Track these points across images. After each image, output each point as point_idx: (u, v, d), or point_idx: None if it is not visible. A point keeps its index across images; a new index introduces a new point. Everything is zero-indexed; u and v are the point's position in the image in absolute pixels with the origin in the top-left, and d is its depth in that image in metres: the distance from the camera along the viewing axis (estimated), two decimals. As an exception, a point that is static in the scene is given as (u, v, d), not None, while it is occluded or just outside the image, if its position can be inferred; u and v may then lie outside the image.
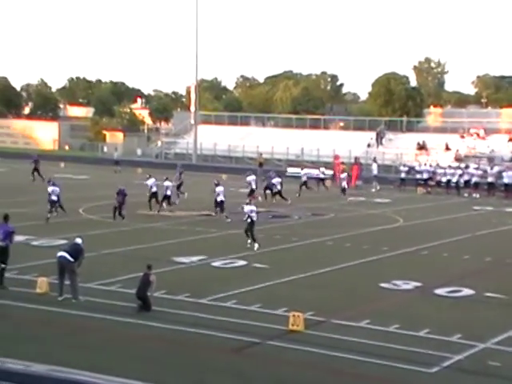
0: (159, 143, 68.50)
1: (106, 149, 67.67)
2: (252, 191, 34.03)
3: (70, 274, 15.08)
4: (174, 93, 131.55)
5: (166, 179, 30.16)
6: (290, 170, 52.34)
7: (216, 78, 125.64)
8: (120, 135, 71.63)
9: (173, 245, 22.32)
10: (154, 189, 29.57)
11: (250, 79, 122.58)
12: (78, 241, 15.70)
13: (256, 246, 21.65)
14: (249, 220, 21.93)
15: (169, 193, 29.60)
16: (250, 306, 15.17)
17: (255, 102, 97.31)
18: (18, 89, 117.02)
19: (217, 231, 25.17)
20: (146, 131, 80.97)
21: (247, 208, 22.20)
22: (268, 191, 35.52)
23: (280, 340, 12.93)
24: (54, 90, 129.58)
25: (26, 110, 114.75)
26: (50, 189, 26.83)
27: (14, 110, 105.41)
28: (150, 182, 29.90)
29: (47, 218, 25.55)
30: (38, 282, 15.62)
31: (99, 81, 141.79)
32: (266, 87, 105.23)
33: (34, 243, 21.31)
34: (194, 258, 19.98)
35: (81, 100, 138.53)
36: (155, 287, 14.78)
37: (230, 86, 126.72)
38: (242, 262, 19.73)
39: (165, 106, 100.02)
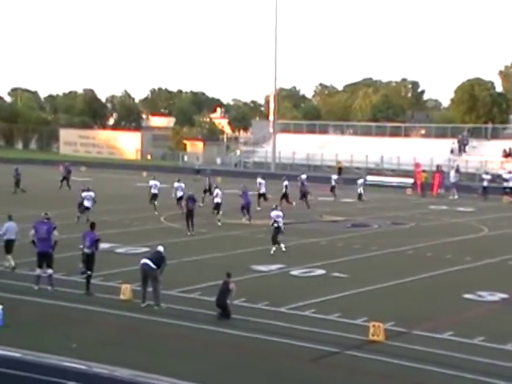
0: (238, 152, 69.23)
1: (186, 158, 69.01)
2: (284, 196, 34.53)
3: (153, 281, 15.44)
4: (252, 102, 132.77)
5: (178, 181, 31.49)
6: (370, 178, 51.70)
7: (295, 87, 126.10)
8: (200, 144, 72.88)
9: (251, 253, 22.45)
10: (180, 193, 30.34)
11: (328, 87, 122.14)
12: (160, 249, 16.07)
13: (274, 248, 21.83)
14: (275, 225, 22.07)
15: (179, 194, 30.42)
16: (329, 315, 15.08)
17: (334, 110, 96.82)
18: (104, 100, 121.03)
19: (295, 240, 25.17)
20: (225, 140, 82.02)
21: (274, 213, 22.33)
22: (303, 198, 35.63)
23: (359, 350, 12.80)
24: (137, 100, 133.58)
25: (111, 121, 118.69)
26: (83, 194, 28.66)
27: (99, 121, 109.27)
28: (152, 182, 32.25)
29: (85, 219, 26.42)
30: (121, 289, 16.07)
31: (180, 91, 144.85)
32: (345, 95, 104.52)
33: (118, 251, 21.94)
34: (273, 267, 20.05)
35: (162, 110, 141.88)
36: (234, 295, 14.92)
37: (309, 94, 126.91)
38: (320, 271, 19.64)
39: (244, 115, 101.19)
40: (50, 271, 16.47)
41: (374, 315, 14.57)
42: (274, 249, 22.02)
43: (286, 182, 35.48)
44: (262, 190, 34.81)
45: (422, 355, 12.53)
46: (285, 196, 34.89)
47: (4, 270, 18.13)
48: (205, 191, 35.62)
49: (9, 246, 18.18)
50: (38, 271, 16.55)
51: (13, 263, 18.43)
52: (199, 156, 67.23)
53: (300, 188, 35.83)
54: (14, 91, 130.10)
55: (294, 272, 19.49)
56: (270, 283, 18.22)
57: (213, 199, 29.77)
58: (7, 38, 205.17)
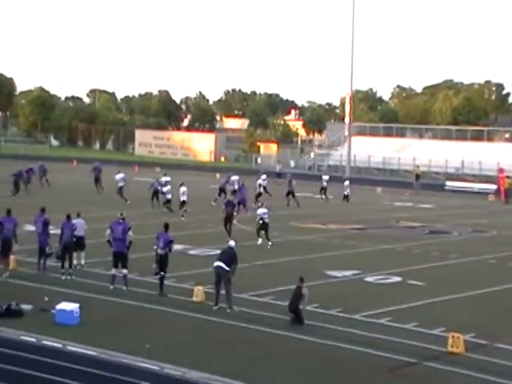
0: (312, 155, 69.03)
1: (259, 160, 69.36)
2: (259, 194, 35.42)
3: (226, 284, 15.55)
4: (327, 104, 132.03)
5: (165, 174, 33.66)
6: (450, 184, 50.49)
7: (371, 89, 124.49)
8: (274, 147, 73.15)
9: (325, 258, 22.36)
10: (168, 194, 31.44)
11: (406, 89, 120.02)
12: (232, 244, 16.14)
13: (260, 241, 23.50)
14: (261, 221, 23.58)
15: (169, 196, 31.02)
16: (405, 324, 14.80)
17: (412, 113, 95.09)
18: (178, 102, 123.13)
19: (370, 245, 24.86)
20: (299, 143, 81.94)
21: (260, 211, 23.98)
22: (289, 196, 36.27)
23: (438, 362, 12.48)
24: (211, 102, 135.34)
25: (185, 122, 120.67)
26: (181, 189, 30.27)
27: (173, 122, 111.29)
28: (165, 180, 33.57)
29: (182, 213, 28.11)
30: (194, 291, 16.27)
31: (254, 93, 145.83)
32: (424, 97, 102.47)
33: (191, 252, 22.23)
34: (347, 273, 19.87)
35: (236, 112, 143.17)
36: (307, 300, 14.85)
37: (386, 96, 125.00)
38: (396, 279, 19.32)
39: (318, 118, 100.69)
40: (124, 271, 16.85)
41: (453, 326, 14.19)
42: (260, 240, 23.56)
43: (260, 181, 36.82)
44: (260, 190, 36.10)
45: (504, 369, 12.10)
46: (259, 195, 35.51)
47: (78, 267, 18.61)
48: (287, 194, 36.23)
49: (79, 243, 18.49)
50: (113, 271, 16.96)
51: (82, 261, 18.89)
52: (272, 158, 67.42)
53: (288, 186, 36.90)
54: (93, 92, 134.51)
55: (369, 278, 19.25)
56: (344, 289, 18.07)
57: (179, 198, 30.25)
58: (87, 39, 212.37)
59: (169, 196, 31.65)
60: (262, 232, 23.79)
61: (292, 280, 16.07)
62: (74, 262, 18.43)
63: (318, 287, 17.51)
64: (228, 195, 32.94)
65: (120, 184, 34.94)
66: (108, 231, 17.20)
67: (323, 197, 40.18)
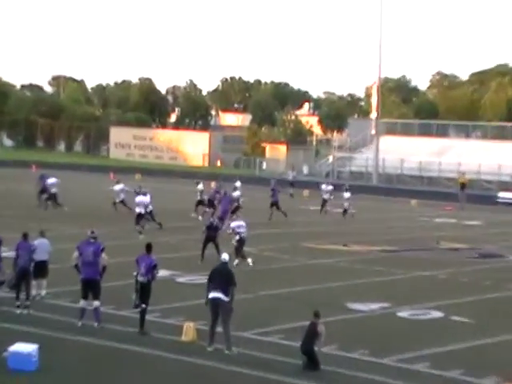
0: (330, 159, 69.25)
1: (265, 165, 69.62)
2: (237, 208, 35.27)
3: (225, 318, 15.53)
4: (349, 95, 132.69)
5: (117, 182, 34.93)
6: (503, 195, 50.54)
7: (404, 76, 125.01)
8: (282, 148, 73.41)
9: (347, 287, 22.36)
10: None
11: (449, 76, 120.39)
12: (225, 258, 16.13)
13: (237, 261, 24.03)
14: (236, 237, 24.50)
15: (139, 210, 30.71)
16: (448, 370, 14.79)
17: (456, 107, 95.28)
18: (164, 92, 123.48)
19: (403, 272, 24.86)
20: (314, 143, 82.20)
21: (234, 224, 24.96)
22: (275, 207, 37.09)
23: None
24: (204, 93, 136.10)
25: (172, 118, 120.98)
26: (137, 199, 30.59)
27: (158, 118, 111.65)
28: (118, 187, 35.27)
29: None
30: (183, 328, 16.27)
31: (258, 82, 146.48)
32: (471, 87, 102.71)
33: (180, 280, 22.23)
34: (374, 306, 19.87)
35: (236, 105, 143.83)
36: (324, 340, 14.85)
37: (423, 85, 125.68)
38: (436, 314, 19.32)
39: (338, 112, 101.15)
40: (96, 303, 16.85)
41: (508, 374, 14.14)
42: (236, 261, 23.93)
43: (199, 186, 38.35)
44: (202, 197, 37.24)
45: None
46: (236, 209, 35.24)
47: (38, 299, 18.65)
48: (271, 205, 36.98)
49: (40, 268, 18.51)
50: (81, 303, 16.95)
51: (43, 292, 18.94)
52: (280, 163, 67.62)
53: (271, 196, 37.58)
54: (56, 80, 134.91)
55: (402, 313, 19.24)
56: (371, 326, 18.06)
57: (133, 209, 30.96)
58: (49, 16, 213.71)
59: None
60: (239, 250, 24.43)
61: (305, 315, 16.04)
62: (33, 292, 18.43)
63: (337, 323, 17.49)
64: (217, 211, 32.98)
65: (122, 196, 36.33)
66: (75, 253, 17.19)
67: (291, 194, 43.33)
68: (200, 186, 37.97)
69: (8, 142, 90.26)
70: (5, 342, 14.63)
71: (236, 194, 37.64)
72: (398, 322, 18.60)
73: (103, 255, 17.13)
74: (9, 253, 19.09)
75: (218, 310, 15.56)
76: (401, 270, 25.09)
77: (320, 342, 14.76)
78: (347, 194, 39.46)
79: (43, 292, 18.97)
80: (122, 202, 36.18)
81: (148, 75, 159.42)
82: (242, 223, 24.93)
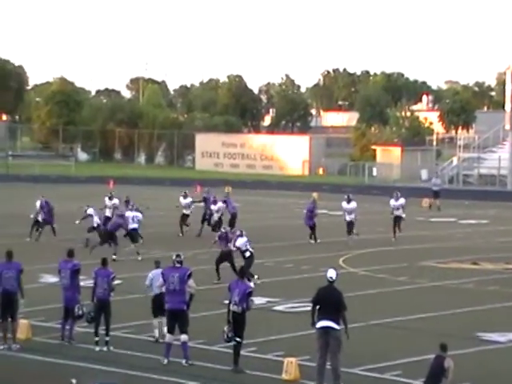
0: (455, 161, 68.16)
1: (375, 171, 69.10)
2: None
3: (336, 350, 15.43)
4: (477, 84, 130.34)
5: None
6: None
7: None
8: (396, 151, 72.67)
9: (478, 314, 22.01)
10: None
11: None
12: (332, 275, 15.87)
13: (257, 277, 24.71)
14: (247, 254, 24.81)
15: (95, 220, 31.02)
16: None
17: None
18: (256, 91, 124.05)
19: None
20: (434, 143, 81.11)
21: (240, 241, 24.94)
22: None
23: None
24: (303, 89, 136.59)
25: (266, 121, 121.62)
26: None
27: (250, 121, 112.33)
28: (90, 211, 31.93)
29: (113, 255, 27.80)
30: (284, 364, 16.25)
31: (366, 73, 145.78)
32: None
33: (278, 308, 22.22)
34: (513, 335, 19.48)
35: (340, 102, 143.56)
36: (452, 377, 14.55)
37: None
38: None
39: (463, 105, 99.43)
40: (184, 337, 16.97)
41: None
42: (256, 277, 24.71)
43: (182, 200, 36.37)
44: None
45: None
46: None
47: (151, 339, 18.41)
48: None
49: (161, 304, 17.89)
50: (167, 337, 17.14)
51: (157, 333, 18.35)
52: (394, 167, 66.97)
53: (227, 209, 35.75)
54: (135, 83, 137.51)
55: (548, 345, 18.72)
56: (509, 361, 17.64)
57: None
58: (125, 15, 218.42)
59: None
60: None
61: (428, 347, 15.87)
62: (156, 333, 18.36)
63: (468, 357, 17.22)
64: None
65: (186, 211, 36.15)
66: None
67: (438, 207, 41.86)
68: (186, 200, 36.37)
69: (83, 156, 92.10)
70: (83, 383, 14.94)
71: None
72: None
73: (190, 282, 17.26)
74: (85, 282, 19.52)
75: (328, 342, 15.47)
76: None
77: (448, 380, 14.46)
78: (401, 201, 35.60)
79: (165, 329, 17.85)
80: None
81: (238, 72, 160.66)
82: (246, 239, 25.16)
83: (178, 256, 17.62)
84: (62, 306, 18.77)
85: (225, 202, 35.26)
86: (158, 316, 18.23)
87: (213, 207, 34.90)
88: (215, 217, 34.61)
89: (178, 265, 17.39)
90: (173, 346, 17.00)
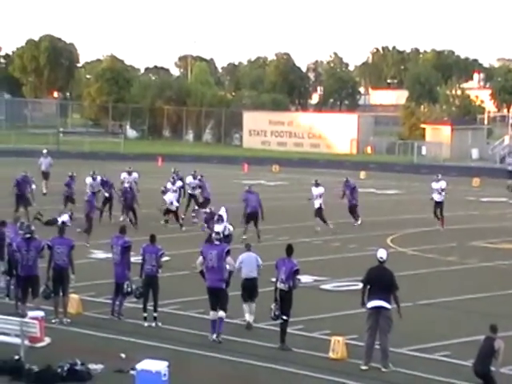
0: (506, 140, 67.34)
1: (424, 150, 68.54)
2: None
3: (386, 329, 15.45)
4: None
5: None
6: None
7: None
8: (446, 130, 71.93)
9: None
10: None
11: None
12: (383, 255, 15.92)
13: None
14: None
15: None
16: None
17: None
18: (304, 69, 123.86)
19: None
20: (485, 122, 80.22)
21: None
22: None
23: None
24: (351, 67, 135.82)
25: (314, 99, 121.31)
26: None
27: (298, 99, 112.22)
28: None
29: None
30: (331, 343, 16.25)
31: (416, 51, 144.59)
32: None
33: (325, 287, 22.20)
34: None
35: (389, 81, 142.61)
36: (502, 359, 14.40)
37: None
38: None
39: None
40: (221, 314, 17.00)
41: None
42: None
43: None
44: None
45: None
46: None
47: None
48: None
49: (250, 288, 17.90)
50: (211, 314, 17.18)
51: (251, 318, 18.04)
52: (443, 146, 66.34)
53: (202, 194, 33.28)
54: (183, 60, 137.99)
55: None
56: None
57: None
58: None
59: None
60: None
61: (478, 328, 15.83)
62: (246, 317, 18.11)
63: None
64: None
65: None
66: (200, 258, 17.38)
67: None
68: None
69: (131, 133, 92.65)
70: (132, 359, 15.09)
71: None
72: None
73: (228, 259, 17.26)
74: (135, 258, 19.67)
75: (379, 322, 15.44)
76: None
77: (498, 362, 14.33)
78: (442, 184, 32.50)
79: (251, 318, 18.04)
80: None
81: (286, 50, 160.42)
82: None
83: (217, 233, 17.76)
84: (111, 281, 18.97)
85: (200, 187, 33.21)
86: (247, 301, 17.99)
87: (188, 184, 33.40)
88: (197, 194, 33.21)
89: (216, 242, 17.43)
90: (224, 323, 17.01)
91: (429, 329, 18.28)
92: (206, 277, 17.16)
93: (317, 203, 31.19)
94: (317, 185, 31.63)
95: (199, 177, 33.64)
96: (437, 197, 32.03)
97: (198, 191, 33.21)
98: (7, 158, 59.48)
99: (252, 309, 18.03)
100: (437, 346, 16.85)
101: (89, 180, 32.45)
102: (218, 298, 17.02)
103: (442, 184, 32.29)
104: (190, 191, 33.43)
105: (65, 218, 26.80)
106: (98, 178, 32.51)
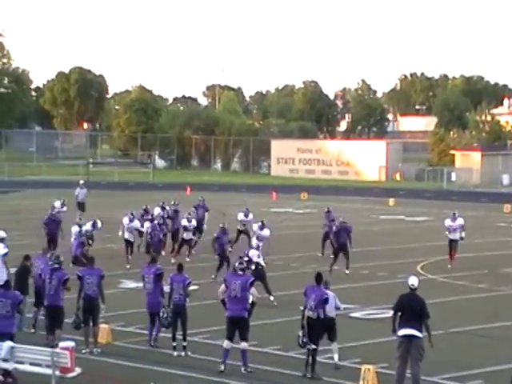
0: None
1: (454, 176, 68.26)
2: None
3: (418, 358, 15.29)
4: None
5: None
6: None
7: None
8: (476, 156, 71.71)
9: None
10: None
11: None
12: (414, 283, 15.71)
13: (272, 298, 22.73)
14: (259, 267, 22.69)
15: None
16: None
17: None
18: (332, 96, 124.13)
19: None
20: (515, 148, 79.78)
21: (252, 253, 22.99)
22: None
23: None
24: (379, 94, 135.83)
25: (342, 126, 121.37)
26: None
27: (326, 127, 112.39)
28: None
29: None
30: (361, 372, 16.15)
31: (444, 77, 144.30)
32: None
33: (355, 314, 22.10)
34: None
35: (418, 107, 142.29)
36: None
37: None
38: None
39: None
40: (244, 345, 16.85)
41: None
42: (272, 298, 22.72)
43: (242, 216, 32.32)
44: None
45: None
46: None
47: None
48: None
49: (330, 327, 17.18)
50: (225, 344, 17.06)
51: (335, 356, 17.21)
52: (474, 172, 66.00)
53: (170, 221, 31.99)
54: (211, 90, 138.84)
55: None
56: None
57: None
58: (200, 24, 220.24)
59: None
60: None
61: (510, 356, 15.58)
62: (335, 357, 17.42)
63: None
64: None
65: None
66: (222, 286, 17.35)
67: None
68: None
69: (160, 163, 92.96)
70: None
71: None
72: None
73: (252, 290, 17.24)
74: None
75: (411, 350, 15.34)
76: None
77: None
78: (460, 221, 30.10)
79: (335, 356, 17.31)
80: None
81: (313, 78, 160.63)
82: (256, 252, 23.45)
83: (240, 263, 17.60)
84: (141, 311, 19.00)
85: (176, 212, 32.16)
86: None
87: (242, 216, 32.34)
88: (205, 226, 32.68)
89: (240, 272, 17.36)
90: (231, 353, 16.90)
91: (460, 357, 18.14)
92: (228, 306, 17.11)
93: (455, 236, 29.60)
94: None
95: (245, 209, 32.84)
96: (452, 235, 29.86)
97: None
98: (38, 189, 59.94)
99: (335, 348, 17.33)
100: (469, 375, 16.70)
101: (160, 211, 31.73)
102: (239, 328, 16.91)
103: (461, 221, 29.99)
104: (239, 227, 32.14)
105: (87, 226, 26.89)
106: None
